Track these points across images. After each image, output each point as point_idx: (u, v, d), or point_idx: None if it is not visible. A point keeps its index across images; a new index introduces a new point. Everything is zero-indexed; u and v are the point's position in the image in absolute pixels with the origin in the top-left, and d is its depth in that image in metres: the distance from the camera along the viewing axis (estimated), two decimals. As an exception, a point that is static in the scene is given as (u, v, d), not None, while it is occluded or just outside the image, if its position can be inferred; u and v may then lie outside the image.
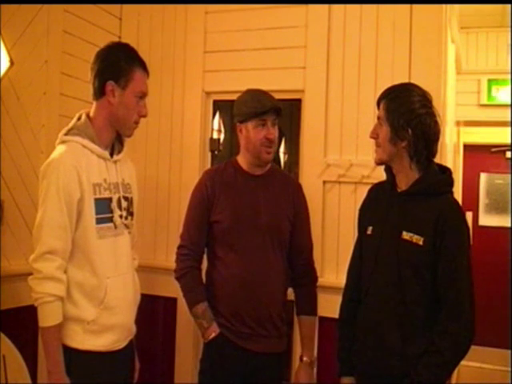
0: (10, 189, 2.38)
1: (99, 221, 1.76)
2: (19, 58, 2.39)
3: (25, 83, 2.45)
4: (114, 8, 3.04)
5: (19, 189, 2.42)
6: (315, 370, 2.22)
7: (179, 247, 2.22)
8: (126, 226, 1.87)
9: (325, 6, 2.70)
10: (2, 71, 2.29)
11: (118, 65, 1.78)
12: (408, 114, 1.71)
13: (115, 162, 1.86)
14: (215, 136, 3.07)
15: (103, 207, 1.78)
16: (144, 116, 1.86)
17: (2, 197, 2.34)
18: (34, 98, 2.50)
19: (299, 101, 2.80)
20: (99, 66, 1.80)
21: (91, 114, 1.83)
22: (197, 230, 2.18)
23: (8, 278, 2.27)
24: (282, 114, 2.17)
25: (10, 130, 2.38)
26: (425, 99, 1.75)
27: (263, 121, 2.10)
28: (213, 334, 2.09)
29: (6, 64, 2.30)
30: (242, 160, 2.21)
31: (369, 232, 1.84)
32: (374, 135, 1.81)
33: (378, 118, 1.80)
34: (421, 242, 1.69)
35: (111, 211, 1.81)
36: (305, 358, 2.17)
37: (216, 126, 3.12)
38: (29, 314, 2.24)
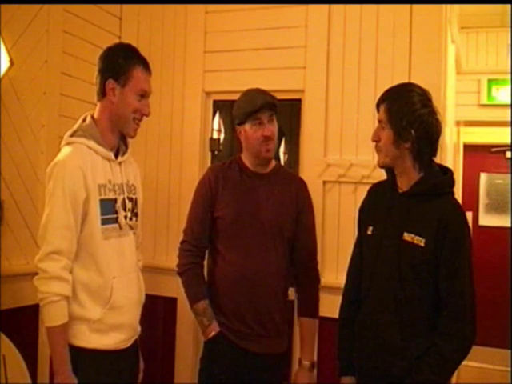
0: (10, 189, 2.38)
1: (104, 221, 1.77)
2: (19, 58, 2.39)
3: (25, 83, 2.45)
4: (114, 8, 3.04)
5: (19, 189, 2.42)
6: (315, 371, 2.21)
7: (182, 242, 2.21)
8: (131, 227, 1.88)
9: (325, 6, 2.70)
10: (2, 71, 2.29)
11: (116, 63, 1.80)
12: (410, 115, 1.70)
13: (120, 163, 1.88)
14: (215, 136, 3.08)
15: (108, 208, 1.79)
16: (146, 115, 1.87)
17: (2, 197, 2.34)
18: (34, 98, 2.50)
19: (299, 101, 2.80)
20: (100, 67, 1.82)
21: (95, 116, 1.84)
22: (200, 226, 2.17)
23: (8, 277, 2.27)
24: (279, 110, 2.16)
25: (10, 130, 2.38)
26: (425, 98, 1.74)
27: (258, 119, 2.10)
28: (213, 333, 2.09)
29: (5, 64, 2.30)
30: (246, 159, 2.21)
31: (369, 232, 1.84)
32: (376, 138, 1.79)
33: (380, 121, 1.78)
34: (422, 244, 1.68)
35: (116, 212, 1.82)
36: (304, 362, 2.16)
37: (216, 126, 3.12)
38: (29, 314, 2.25)
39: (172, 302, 2.89)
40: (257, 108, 2.08)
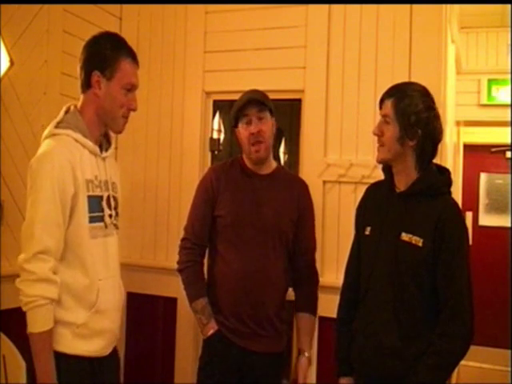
0: (10, 189, 2.38)
1: (92, 219, 1.67)
2: (19, 58, 2.39)
3: (25, 83, 2.45)
4: (114, 8, 3.04)
5: (19, 189, 2.41)
6: (314, 368, 2.22)
7: (183, 240, 2.22)
8: (116, 227, 1.79)
9: (325, 6, 2.70)
10: (2, 71, 2.29)
11: (103, 54, 1.69)
12: (418, 114, 1.70)
13: (104, 159, 1.78)
14: (215, 136, 3.08)
15: (95, 205, 1.69)
16: (133, 110, 1.76)
17: (2, 197, 2.34)
18: (34, 98, 2.50)
19: (299, 101, 2.80)
20: (85, 56, 1.72)
21: (79, 108, 1.74)
22: (201, 225, 2.18)
23: (8, 278, 2.27)
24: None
25: (10, 130, 2.38)
26: (430, 100, 1.74)
27: (247, 117, 2.11)
28: (211, 331, 2.09)
29: (5, 64, 2.30)
30: (246, 159, 2.22)
31: (367, 232, 1.83)
32: (379, 132, 1.77)
33: (385, 115, 1.75)
34: (420, 244, 1.68)
35: (102, 210, 1.71)
36: (306, 354, 2.13)
37: (216, 126, 3.12)
38: (29, 314, 2.24)
39: (172, 301, 2.89)
40: (242, 103, 2.10)
